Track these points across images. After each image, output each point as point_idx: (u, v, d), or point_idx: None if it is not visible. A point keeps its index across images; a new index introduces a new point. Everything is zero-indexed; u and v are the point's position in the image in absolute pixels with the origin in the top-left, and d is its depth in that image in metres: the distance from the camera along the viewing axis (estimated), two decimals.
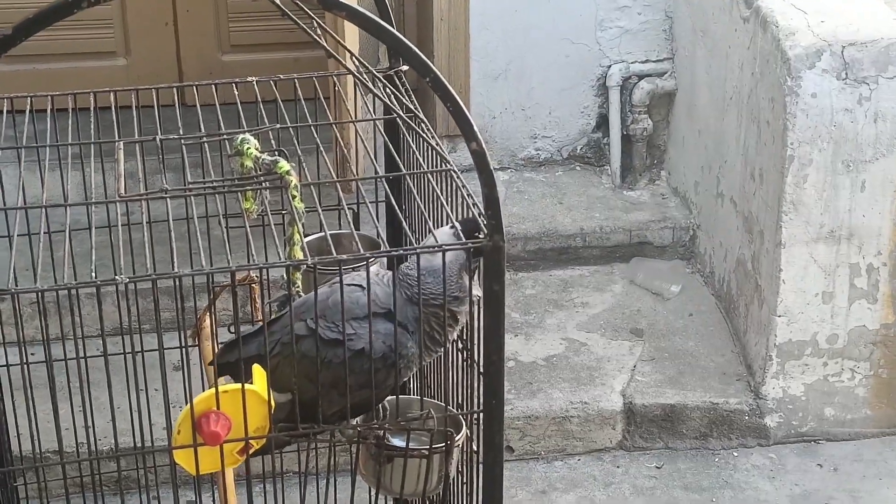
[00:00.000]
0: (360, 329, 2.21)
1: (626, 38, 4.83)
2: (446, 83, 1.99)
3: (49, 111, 2.64)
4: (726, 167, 4.29)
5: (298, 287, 2.37)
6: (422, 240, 2.67)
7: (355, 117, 2.83)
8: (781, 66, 3.74)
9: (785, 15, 3.85)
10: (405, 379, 2.40)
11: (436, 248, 2.15)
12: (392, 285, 2.25)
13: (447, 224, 2.28)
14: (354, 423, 2.39)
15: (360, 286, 2.24)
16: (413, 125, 2.37)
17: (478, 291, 2.21)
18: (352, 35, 4.18)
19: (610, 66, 4.86)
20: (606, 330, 4.32)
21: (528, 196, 4.82)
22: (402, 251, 2.16)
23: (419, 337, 2.24)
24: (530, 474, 3.91)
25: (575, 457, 3.98)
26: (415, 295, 2.22)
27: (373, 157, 2.57)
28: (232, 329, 2.54)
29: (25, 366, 2.61)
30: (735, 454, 3.99)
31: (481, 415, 2.25)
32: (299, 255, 2.29)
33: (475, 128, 2.04)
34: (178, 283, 2.06)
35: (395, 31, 2.00)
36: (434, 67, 1.98)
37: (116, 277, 2.02)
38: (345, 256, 2.09)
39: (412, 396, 2.59)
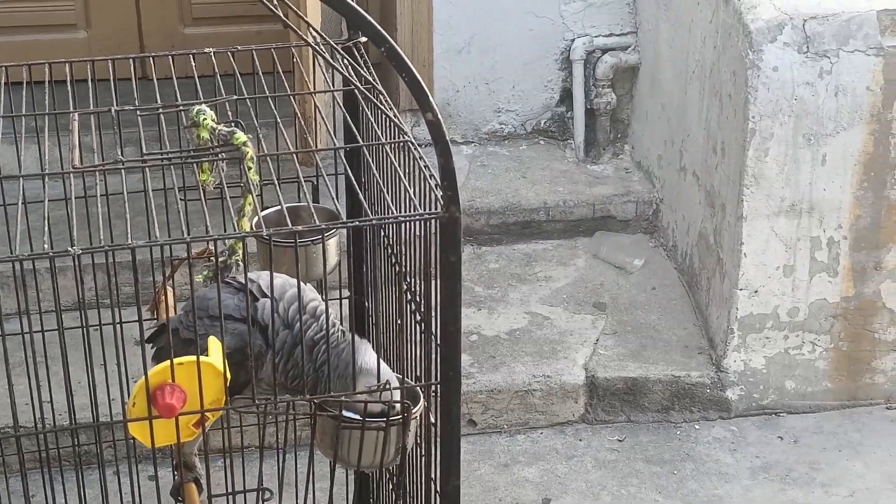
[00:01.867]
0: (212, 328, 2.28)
1: (589, 11, 4.83)
2: (401, 53, 1.98)
3: (3, 83, 2.60)
4: (689, 141, 4.30)
5: (238, 257, 2.36)
6: (381, 213, 2.67)
7: (314, 90, 2.81)
8: (743, 39, 3.74)
9: None
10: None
11: (391, 219, 2.14)
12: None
13: (406, 199, 2.27)
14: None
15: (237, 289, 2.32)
16: (371, 97, 2.36)
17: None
18: (314, 8, 4.16)
19: (573, 40, 4.85)
20: (569, 304, 4.32)
21: (492, 170, 4.81)
22: (357, 222, 2.15)
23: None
24: (493, 448, 3.92)
25: (537, 430, 3.99)
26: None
27: (332, 130, 2.56)
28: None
29: None
30: (697, 427, 4.01)
31: (439, 386, 2.25)
32: (247, 226, 2.28)
33: (431, 98, 2.03)
34: (132, 253, 2.04)
35: (350, 2, 1.98)
36: (388, 37, 1.97)
37: (69, 249, 2.00)
38: (300, 228, 2.08)
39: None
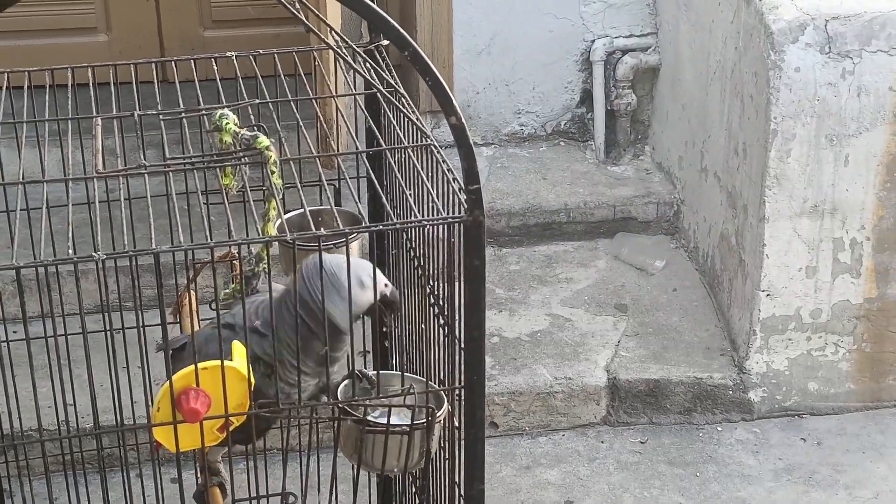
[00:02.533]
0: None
1: (609, 12, 4.82)
2: (425, 57, 1.97)
3: (27, 87, 2.61)
4: (710, 142, 4.29)
5: (265, 265, 2.35)
6: (404, 216, 2.66)
7: (336, 93, 2.81)
8: (765, 39, 3.73)
9: None
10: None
11: (415, 222, 2.14)
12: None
13: (429, 201, 2.27)
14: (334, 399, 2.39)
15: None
16: (393, 100, 2.36)
17: None
18: (334, 10, 4.17)
19: (594, 41, 4.85)
20: (590, 305, 4.32)
21: (512, 172, 4.81)
22: (381, 226, 2.15)
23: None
24: (514, 450, 3.91)
25: (559, 432, 3.98)
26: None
27: (354, 133, 2.56)
28: (212, 306, 2.54)
29: (5, 343, 2.59)
30: (719, 429, 4.00)
31: (463, 390, 2.25)
32: (273, 231, 2.28)
33: (454, 101, 2.03)
34: (156, 258, 2.04)
35: (373, 5, 1.98)
36: (412, 41, 1.96)
37: (94, 254, 2.00)
38: (324, 232, 2.08)
39: (394, 372, 2.58)
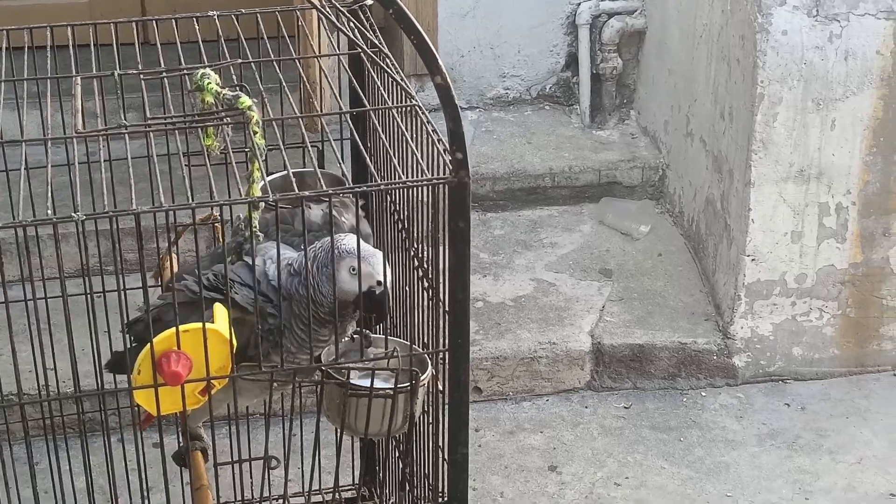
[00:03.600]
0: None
1: None
2: (410, 15, 1.94)
3: (3, 48, 2.57)
4: (696, 106, 4.26)
5: (256, 227, 2.33)
6: (388, 178, 2.64)
7: (319, 53, 2.78)
8: (752, 2, 3.70)
9: None
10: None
11: (399, 184, 2.12)
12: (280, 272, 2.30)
13: (413, 163, 2.24)
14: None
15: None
16: (378, 60, 2.32)
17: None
18: None
19: (579, 4, 4.81)
20: (575, 270, 4.30)
21: (497, 136, 4.78)
22: (364, 187, 2.12)
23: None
24: (499, 415, 3.90)
25: (543, 397, 3.97)
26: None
27: (338, 94, 2.53)
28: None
29: None
30: (703, 394, 3.99)
31: (447, 354, 2.23)
32: (258, 192, 2.25)
33: (440, 61, 2.00)
34: (136, 219, 2.01)
35: None
36: (397, 0, 1.93)
37: (73, 214, 1.97)
38: (306, 193, 2.05)
39: (377, 335, 2.56)
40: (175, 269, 2.74)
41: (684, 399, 3.98)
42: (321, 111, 2.55)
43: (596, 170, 4.64)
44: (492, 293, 4.17)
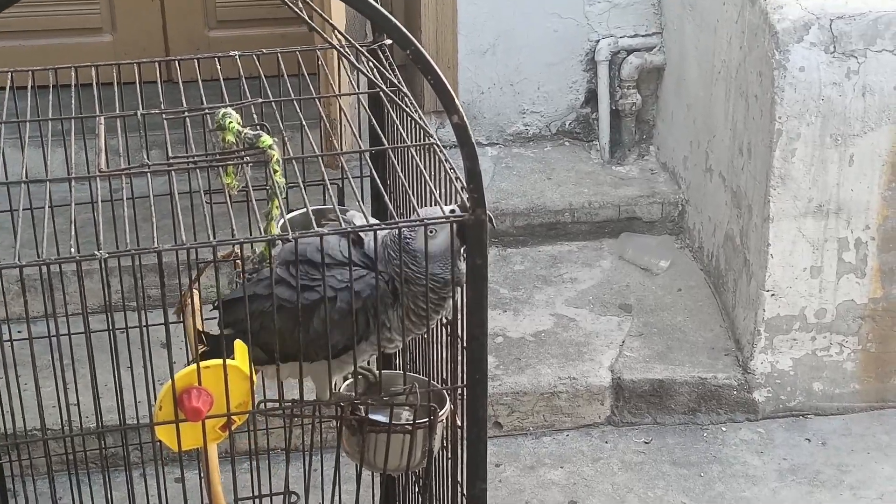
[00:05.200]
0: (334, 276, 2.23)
1: (614, 12, 4.81)
2: (426, 55, 1.97)
3: (30, 87, 2.61)
4: (715, 142, 4.28)
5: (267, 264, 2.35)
6: (406, 215, 2.66)
7: (339, 92, 2.81)
8: (769, 39, 3.72)
9: None
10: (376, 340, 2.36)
11: (418, 223, 2.14)
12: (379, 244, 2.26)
13: (431, 201, 2.27)
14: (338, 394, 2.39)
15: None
16: (396, 99, 2.35)
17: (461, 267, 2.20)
18: (338, 10, 4.17)
19: (598, 41, 4.84)
20: (595, 305, 4.31)
21: (517, 172, 4.81)
22: (384, 226, 2.15)
23: (401, 310, 2.25)
24: (519, 450, 3.91)
25: (563, 432, 3.98)
26: (396, 269, 2.22)
27: (357, 132, 2.56)
28: (216, 305, 2.53)
29: (9, 343, 2.59)
30: (723, 429, 3.99)
31: (465, 389, 2.24)
32: (276, 230, 2.28)
33: (457, 101, 2.03)
34: (159, 257, 2.04)
35: (375, 4, 1.98)
36: (414, 40, 1.96)
37: (96, 252, 2.00)
38: (326, 231, 2.08)
39: (396, 371, 2.58)
40: (197, 304, 2.77)
41: (704, 434, 3.98)
42: (341, 149, 2.58)
43: (615, 205, 4.66)
44: (512, 328, 4.18)
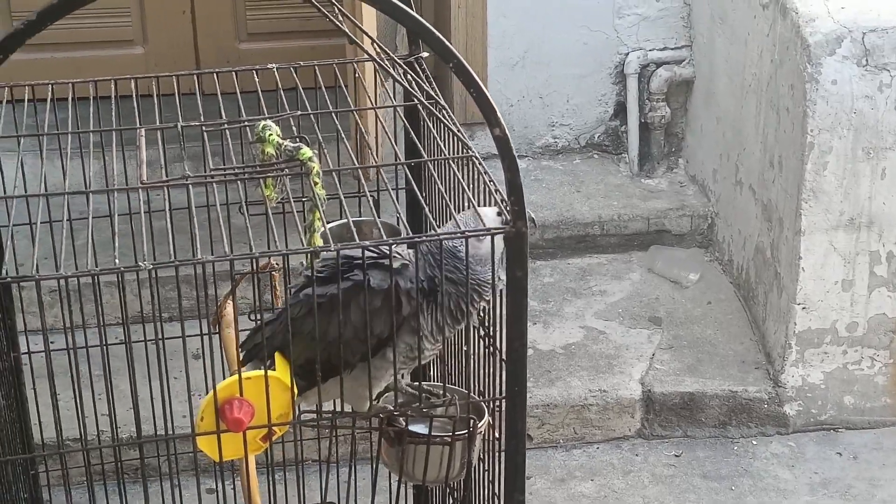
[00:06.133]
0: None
1: (643, 25, 4.82)
2: (469, 68, 1.98)
3: (70, 99, 2.63)
4: (745, 155, 4.28)
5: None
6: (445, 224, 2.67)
7: (376, 104, 2.83)
8: (801, 52, 3.72)
9: (805, 1, 3.83)
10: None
11: (458, 234, 2.15)
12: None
13: (468, 209, 2.27)
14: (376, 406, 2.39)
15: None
16: (434, 111, 2.36)
17: (502, 276, 2.21)
18: (369, 22, 4.17)
19: (628, 54, 4.85)
20: (625, 318, 4.31)
21: (546, 184, 4.81)
22: (423, 237, 2.16)
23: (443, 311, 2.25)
24: (549, 462, 3.91)
25: (594, 445, 3.98)
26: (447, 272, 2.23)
27: (393, 143, 2.57)
28: (252, 317, 2.54)
29: (47, 354, 2.60)
30: (754, 442, 3.98)
31: (503, 402, 2.25)
32: (320, 241, 2.29)
33: (498, 113, 2.03)
34: (202, 269, 2.06)
35: (418, 17, 1.99)
36: (457, 53, 1.97)
37: (140, 264, 2.02)
38: (367, 243, 2.09)
39: (435, 384, 2.58)
40: (232, 316, 2.78)
41: (735, 447, 3.97)
42: (377, 161, 2.59)
43: (645, 218, 4.66)
44: (542, 341, 4.19)
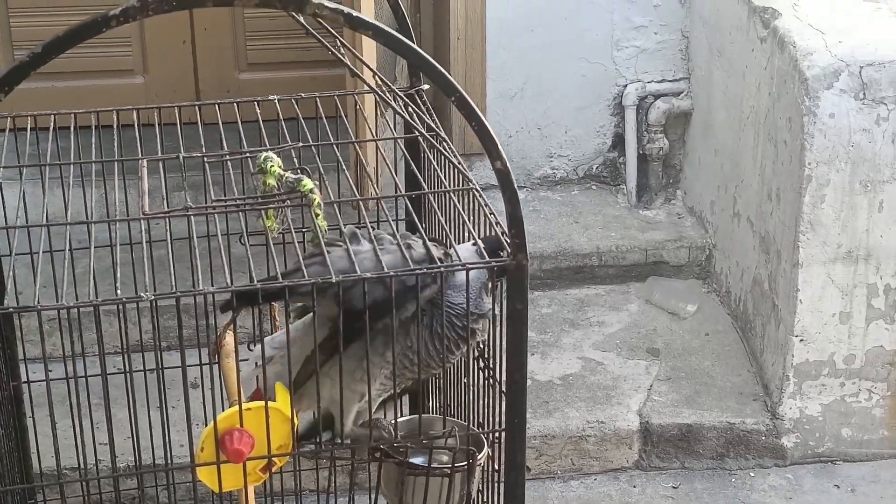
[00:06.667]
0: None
1: (642, 57, 4.84)
2: (471, 102, 1.99)
3: (72, 128, 2.65)
4: (743, 187, 4.29)
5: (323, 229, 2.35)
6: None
7: (376, 135, 2.84)
8: (799, 86, 3.74)
9: (802, 35, 3.86)
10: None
11: (459, 266, 2.16)
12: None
13: (469, 241, 2.29)
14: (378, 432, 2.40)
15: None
16: (435, 144, 2.38)
17: (490, 306, 2.23)
18: (369, 54, 4.20)
19: (626, 86, 4.87)
20: (622, 349, 4.31)
21: (545, 215, 4.82)
22: (424, 269, 2.16)
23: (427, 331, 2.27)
24: (546, 493, 3.90)
25: (591, 476, 3.97)
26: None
27: (393, 174, 2.58)
28: (251, 347, 2.55)
29: (47, 383, 2.61)
30: (752, 474, 3.98)
31: (503, 433, 2.25)
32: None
33: (500, 147, 2.05)
34: (205, 299, 2.06)
35: (420, 50, 2.00)
36: (459, 87, 1.99)
37: (142, 294, 2.02)
38: (369, 275, 2.09)
39: (434, 415, 2.59)
40: (232, 346, 2.78)
41: (733, 479, 3.96)
42: (377, 192, 2.60)
43: (643, 249, 4.67)
44: (539, 371, 4.19)
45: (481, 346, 2.42)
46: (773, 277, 4.02)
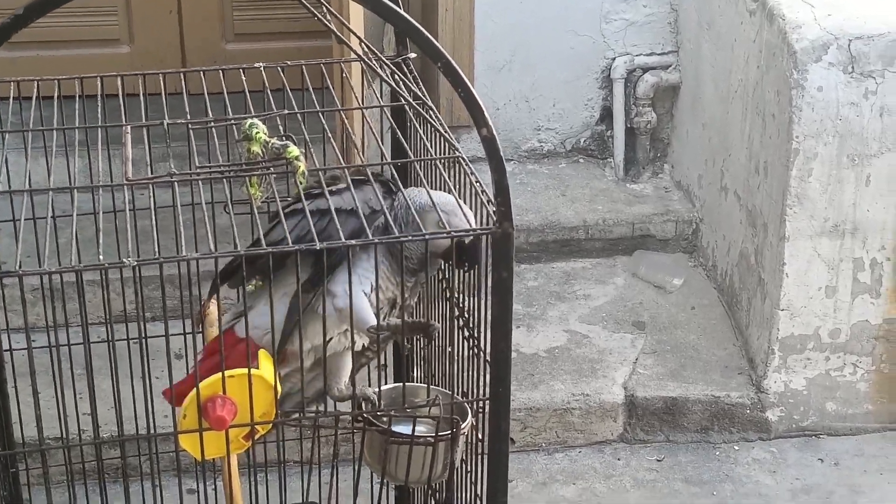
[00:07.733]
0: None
1: (630, 30, 4.82)
2: (458, 68, 1.98)
3: (56, 97, 2.62)
4: (730, 160, 4.29)
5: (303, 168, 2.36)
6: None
7: (363, 104, 2.82)
8: (787, 59, 3.73)
9: (791, 8, 3.84)
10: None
11: (444, 235, 2.15)
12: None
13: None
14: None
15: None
16: (422, 112, 2.36)
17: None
18: (356, 22, 4.17)
19: (614, 59, 4.85)
20: (608, 322, 4.31)
21: (532, 188, 4.81)
22: (410, 237, 2.15)
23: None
24: (531, 466, 3.90)
25: (576, 449, 3.98)
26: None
27: (380, 143, 2.57)
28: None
29: (30, 352, 2.59)
30: (736, 448, 3.99)
31: (487, 403, 2.25)
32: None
33: (486, 114, 2.03)
34: (188, 266, 2.05)
35: (407, 16, 1.99)
36: (446, 53, 1.97)
37: (125, 260, 2.01)
38: (353, 242, 2.08)
39: (418, 384, 2.58)
40: (215, 315, 2.77)
41: (717, 453, 3.97)
42: (364, 161, 2.58)
43: (629, 223, 4.66)
44: (525, 344, 4.18)
45: (466, 315, 2.41)
46: (760, 251, 4.02)
